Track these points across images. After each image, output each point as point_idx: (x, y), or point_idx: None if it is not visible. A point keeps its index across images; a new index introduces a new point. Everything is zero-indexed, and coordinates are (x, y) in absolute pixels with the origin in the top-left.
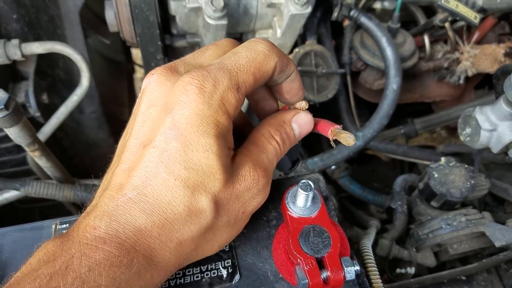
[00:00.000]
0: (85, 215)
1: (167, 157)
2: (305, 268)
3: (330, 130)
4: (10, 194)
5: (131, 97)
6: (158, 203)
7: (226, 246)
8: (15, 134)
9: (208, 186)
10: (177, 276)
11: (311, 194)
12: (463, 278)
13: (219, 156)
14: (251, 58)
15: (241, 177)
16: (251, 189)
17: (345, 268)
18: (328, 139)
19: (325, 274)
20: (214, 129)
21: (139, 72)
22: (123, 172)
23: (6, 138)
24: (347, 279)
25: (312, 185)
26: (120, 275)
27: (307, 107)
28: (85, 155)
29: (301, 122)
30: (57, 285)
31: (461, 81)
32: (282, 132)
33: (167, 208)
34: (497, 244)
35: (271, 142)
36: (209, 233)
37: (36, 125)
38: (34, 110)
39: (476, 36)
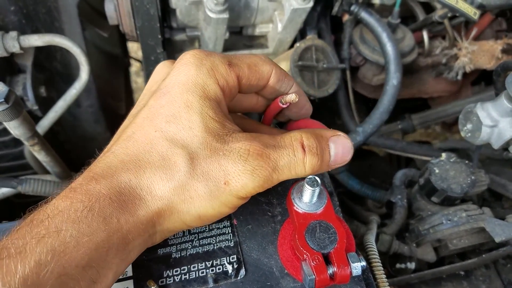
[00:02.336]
0: None
1: (153, 112)
2: (312, 263)
3: None
4: (7, 189)
5: (128, 91)
6: (136, 153)
7: (231, 241)
8: (15, 128)
9: (186, 141)
10: (182, 271)
11: (317, 190)
12: (462, 273)
13: (201, 114)
14: (246, 56)
15: (229, 147)
16: (236, 163)
17: (352, 264)
18: None
19: (331, 269)
20: (200, 90)
21: (135, 66)
22: (117, 134)
23: (3, 132)
24: (354, 274)
25: (319, 181)
26: (82, 218)
27: (297, 99)
28: (81, 149)
29: (339, 143)
30: (21, 235)
31: (459, 77)
32: (315, 141)
33: (144, 157)
34: (497, 239)
35: (295, 143)
36: (183, 191)
37: (33, 118)
38: (32, 104)
39: (474, 32)
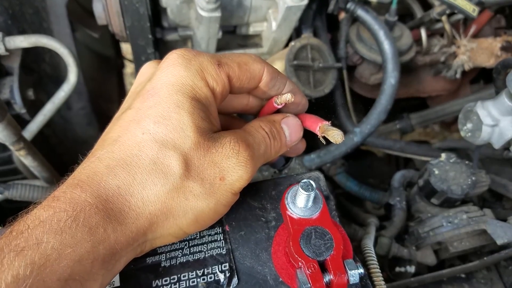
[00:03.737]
0: None
1: (139, 114)
2: (307, 272)
3: (319, 126)
4: None
5: (121, 93)
6: (123, 157)
7: (223, 249)
8: None
9: (178, 142)
10: (171, 281)
11: (312, 194)
12: (463, 276)
13: (192, 114)
14: (236, 55)
15: (219, 144)
16: (230, 158)
17: (349, 272)
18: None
19: (327, 277)
20: (189, 90)
21: (129, 67)
22: (102, 138)
23: None
24: (351, 282)
25: (314, 185)
26: (66, 229)
27: (292, 99)
28: (74, 153)
29: (290, 123)
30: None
31: (458, 75)
32: (272, 126)
33: (132, 161)
34: (499, 242)
35: (260, 131)
36: (178, 194)
37: (22, 122)
38: (19, 107)
39: (472, 29)
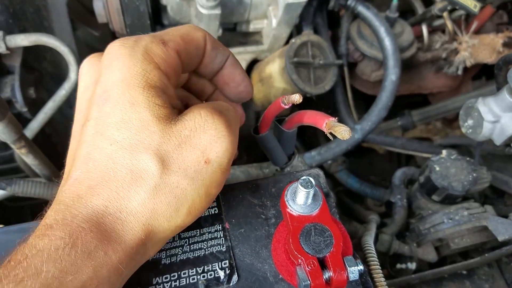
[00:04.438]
0: None
1: (100, 125)
2: (307, 268)
3: (325, 122)
4: None
5: None
6: (101, 174)
7: (223, 246)
8: (0, 131)
9: (146, 142)
10: (171, 278)
11: (312, 191)
12: (464, 272)
13: (149, 107)
14: (176, 28)
15: (190, 122)
16: (207, 131)
17: (348, 268)
18: (324, 133)
19: (327, 274)
20: (140, 80)
21: None
22: (69, 158)
23: None
24: (351, 279)
25: (313, 182)
26: (65, 257)
27: (301, 100)
28: None
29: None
30: None
31: (460, 72)
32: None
33: (110, 176)
34: (500, 238)
35: (229, 103)
36: (164, 194)
37: (23, 121)
38: (20, 106)
39: (474, 25)
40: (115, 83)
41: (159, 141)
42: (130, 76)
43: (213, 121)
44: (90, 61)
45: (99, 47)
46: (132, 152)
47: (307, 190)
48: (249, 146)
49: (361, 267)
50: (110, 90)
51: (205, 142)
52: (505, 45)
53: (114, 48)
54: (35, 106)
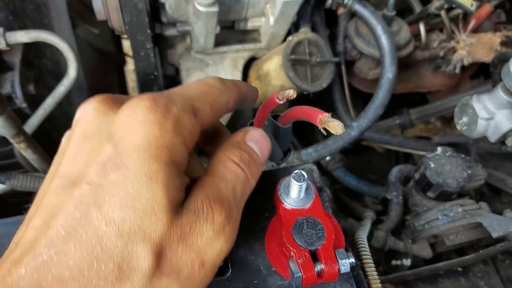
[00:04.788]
0: None
1: (101, 195)
2: (299, 261)
3: (319, 118)
4: None
5: (122, 89)
6: (81, 265)
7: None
8: None
9: (148, 231)
10: None
11: (304, 185)
12: (460, 269)
13: (166, 186)
14: (204, 89)
15: (191, 214)
16: (204, 231)
17: (340, 261)
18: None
19: (319, 267)
20: (165, 153)
21: (130, 63)
22: (41, 223)
23: None
24: (342, 271)
25: (306, 175)
26: None
27: (295, 95)
28: None
29: (255, 138)
30: None
31: (457, 70)
32: (242, 153)
33: (92, 270)
34: (494, 235)
35: (230, 166)
36: None
37: (23, 116)
38: (20, 101)
39: (472, 24)
40: (136, 150)
41: (161, 233)
42: (155, 146)
43: (212, 221)
44: (98, 108)
45: (98, 45)
46: (128, 241)
47: (300, 184)
48: None
49: (352, 260)
50: (127, 156)
51: (202, 244)
52: (502, 44)
53: (142, 108)
54: (34, 102)
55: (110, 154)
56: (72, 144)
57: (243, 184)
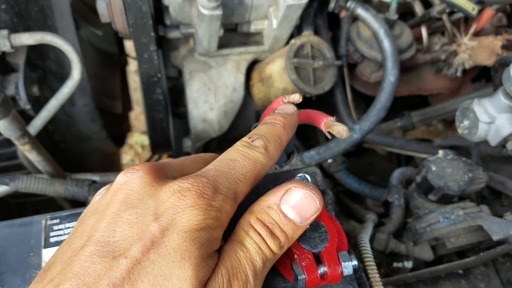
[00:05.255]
0: None
1: (138, 271)
2: (302, 263)
3: (324, 121)
4: (1, 189)
5: (124, 90)
6: None
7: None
8: (4, 127)
9: None
10: None
11: None
12: (461, 272)
13: (197, 266)
14: (249, 168)
15: None
16: None
17: (343, 263)
18: (324, 133)
19: (322, 269)
20: (203, 236)
21: (132, 64)
22: (61, 273)
23: None
24: (345, 274)
25: (309, 179)
26: None
27: (301, 100)
28: (77, 149)
29: (294, 201)
30: None
31: (458, 74)
32: (267, 222)
33: None
34: (495, 237)
35: (252, 234)
36: None
37: (26, 118)
38: (24, 103)
39: (473, 28)
40: (177, 232)
41: None
42: (196, 230)
43: None
44: (148, 177)
45: (101, 46)
46: None
47: None
48: None
49: (355, 262)
50: (169, 237)
51: None
52: (504, 47)
53: (192, 194)
54: (38, 103)
55: (155, 234)
56: (112, 210)
57: (263, 255)
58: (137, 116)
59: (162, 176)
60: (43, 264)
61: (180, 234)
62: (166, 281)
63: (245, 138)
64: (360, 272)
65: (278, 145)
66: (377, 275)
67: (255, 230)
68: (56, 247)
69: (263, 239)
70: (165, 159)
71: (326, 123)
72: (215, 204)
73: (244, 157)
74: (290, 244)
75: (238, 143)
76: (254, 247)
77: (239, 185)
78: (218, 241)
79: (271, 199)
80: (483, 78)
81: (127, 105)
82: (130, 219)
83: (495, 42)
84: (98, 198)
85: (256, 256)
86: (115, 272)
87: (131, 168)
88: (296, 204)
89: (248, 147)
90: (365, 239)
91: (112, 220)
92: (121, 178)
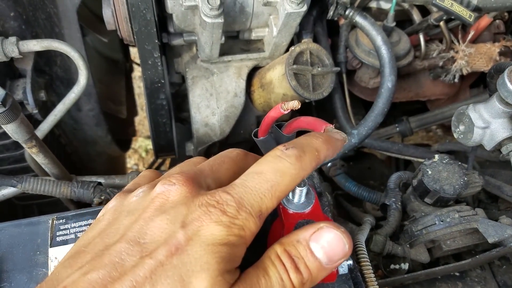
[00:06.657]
0: None
1: (159, 273)
2: None
3: (323, 128)
4: (8, 191)
5: (129, 96)
6: None
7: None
8: (12, 130)
9: None
10: None
11: (304, 190)
12: (457, 274)
13: (214, 279)
14: (276, 182)
15: None
16: None
17: None
18: None
19: None
20: (224, 251)
21: (137, 71)
22: (102, 277)
23: (4, 135)
24: (340, 273)
25: (306, 181)
26: None
27: (299, 106)
28: (83, 152)
29: (325, 241)
30: None
31: (456, 80)
32: (293, 255)
33: None
34: (490, 240)
35: (277, 265)
36: None
37: (34, 122)
38: (31, 108)
39: (471, 35)
40: (200, 244)
41: None
42: (219, 244)
43: None
44: (184, 189)
45: (107, 53)
46: None
47: (300, 188)
48: (250, 149)
49: (350, 261)
50: (192, 246)
51: None
52: (501, 54)
53: (217, 211)
54: (45, 108)
55: (180, 241)
56: (147, 214)
57: (284, 287)
58: (141, 121)
59: (196, 186)
60: (50, 263)
61: (203, 246)
62: (183, 287)
63: (280, 146)
64: (356, 271)
65: (314, 157)
66: (373, 275)
67: (281, 260)
68: (63, 246)
69: (286, 271)
70: (197, 166)
71: (326, 130)
72: (238, 222)
73: (272, 169)
74: (312, 285)
75: (271, 152)
76: (277, 276)
77: (264, 201)
78: (240, 258)
79: (302, 234)
80: (481, 84)
81: (132, 110)
82: (161, 224)
83: (493, 49)
84: (135, 200)
85: (276, 285)
86: (139, 271)
87: (167, 180)
88: (325, 244)
89: (278, 157)
90: (361, 240)
91: (145, 223)
92: (159, 187)
